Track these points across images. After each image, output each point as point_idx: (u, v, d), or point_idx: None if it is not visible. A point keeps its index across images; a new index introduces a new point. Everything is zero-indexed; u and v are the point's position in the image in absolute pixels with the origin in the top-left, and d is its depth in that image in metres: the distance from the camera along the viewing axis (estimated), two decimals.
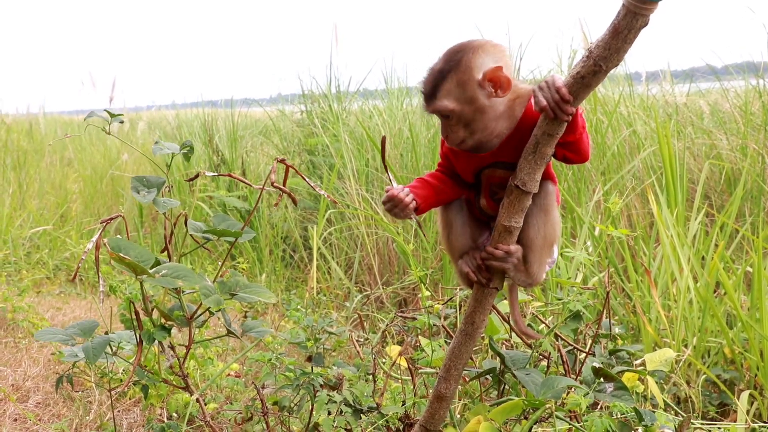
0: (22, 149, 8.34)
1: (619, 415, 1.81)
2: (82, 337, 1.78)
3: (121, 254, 1.59)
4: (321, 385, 2.04)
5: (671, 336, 3.09)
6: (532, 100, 1.51)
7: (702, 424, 2.51)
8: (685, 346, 3.08)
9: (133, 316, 1.79)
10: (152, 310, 1.79)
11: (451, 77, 1.55)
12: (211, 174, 1.81)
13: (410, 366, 2.19)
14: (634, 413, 1.75)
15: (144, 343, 1.77)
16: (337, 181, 5.35)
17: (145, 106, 12.21)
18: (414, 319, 2.54)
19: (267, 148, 7.14)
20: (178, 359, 1.88)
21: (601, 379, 1.65)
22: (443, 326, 2.36)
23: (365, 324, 3.83)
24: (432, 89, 1.58)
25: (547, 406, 1.48)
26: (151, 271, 1.63)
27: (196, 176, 1.84)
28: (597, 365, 1.66)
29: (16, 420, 2.62)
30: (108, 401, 2.69)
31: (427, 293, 3.44)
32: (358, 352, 2.46)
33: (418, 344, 3.38)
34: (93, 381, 2.80)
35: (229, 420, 2.45)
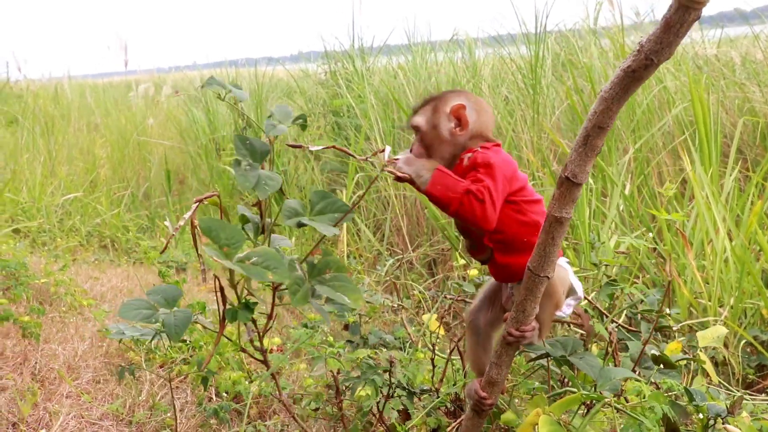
0: (49, 115, 8.37)
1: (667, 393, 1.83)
2: (165, 307, 1.66)
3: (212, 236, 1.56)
4: (371, 366, 2.08)
5: (707, 297, 3.09)
6: None
7: (747, 395, 2.51)
8: (721, 306, 3.07)
9: (218, 291, 1.75)
10: (237, 283, 1.74)
11: (431, 103, 1.84)
12: (315, 148, 1.73)
13: (459, 348, 2.23)
14: (683, 390, 1.77)
15: (226, 320, 1.72)
16: (364, 143, 5.35)
17: (167, 67, 12.19)
18: (464, 302, 2.60)
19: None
20: (258, 333, 1.87)
21: (661, 366, 1.67)
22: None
23: (399, 288, 3.87)
24: (416, 108, 1.87)
25: (606, 399, 1.51)
26: (241, 257, 1.58)
27: (299, 146, 1.82)
28: (656, 353, 1.68)
29: (68, 398, 2.69)
30: (159, 380, 2.76)
31: (462, 261, 3.48)
32: (408, 333, 2.49)
33: (453, 310, 3.42)
34: (142, 359, 2.87)
35: (302, 401, 2.47)
